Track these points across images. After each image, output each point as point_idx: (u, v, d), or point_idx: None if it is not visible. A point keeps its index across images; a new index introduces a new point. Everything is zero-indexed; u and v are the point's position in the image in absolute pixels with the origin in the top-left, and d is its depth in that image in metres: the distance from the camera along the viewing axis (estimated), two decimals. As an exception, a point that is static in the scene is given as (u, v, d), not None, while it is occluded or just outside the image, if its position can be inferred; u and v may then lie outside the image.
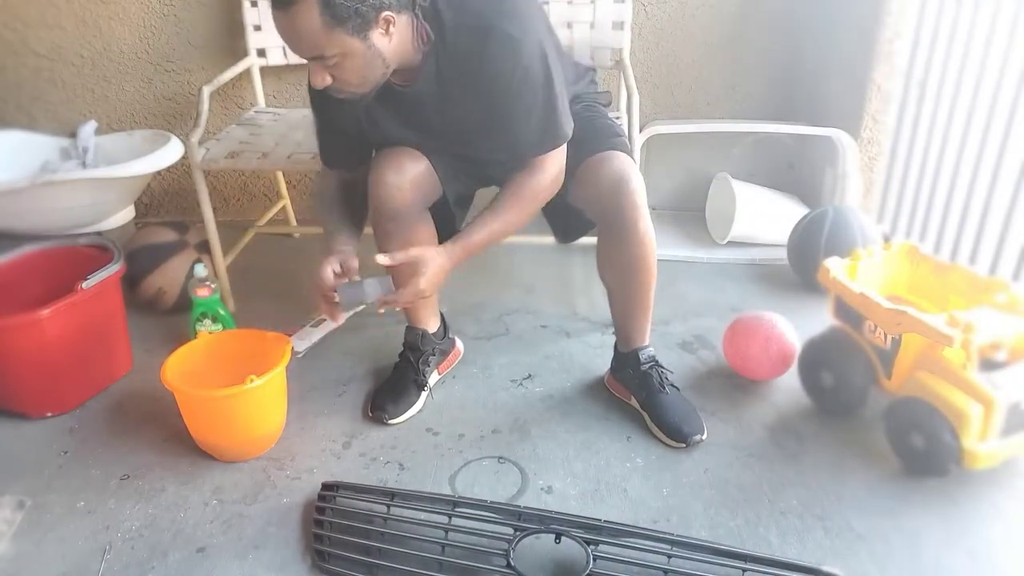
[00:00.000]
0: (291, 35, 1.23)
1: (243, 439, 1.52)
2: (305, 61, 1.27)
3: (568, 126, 1.41)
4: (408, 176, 1.49)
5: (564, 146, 1.43)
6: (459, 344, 1.84)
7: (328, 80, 1.28)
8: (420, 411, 1.67)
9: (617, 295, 1.62)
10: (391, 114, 1.46)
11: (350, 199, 1.55)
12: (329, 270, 1.41)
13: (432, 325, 1.73)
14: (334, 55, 1.24)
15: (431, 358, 1.71)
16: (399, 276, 1.40)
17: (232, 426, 1.50)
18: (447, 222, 1.64)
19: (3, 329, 1.55)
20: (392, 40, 1.28)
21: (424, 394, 1.69)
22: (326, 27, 1.20)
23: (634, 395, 1.64)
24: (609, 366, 1.73)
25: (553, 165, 1.43)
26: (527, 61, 1.31)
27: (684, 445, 1.53)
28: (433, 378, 1.73)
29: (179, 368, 1.51)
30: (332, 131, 1.53)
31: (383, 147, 1.53)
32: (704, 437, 1.55)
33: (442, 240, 1.68)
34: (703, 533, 1.34)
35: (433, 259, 1.38)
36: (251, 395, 1.46)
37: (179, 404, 1.50)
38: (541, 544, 1.29)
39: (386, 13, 1.24)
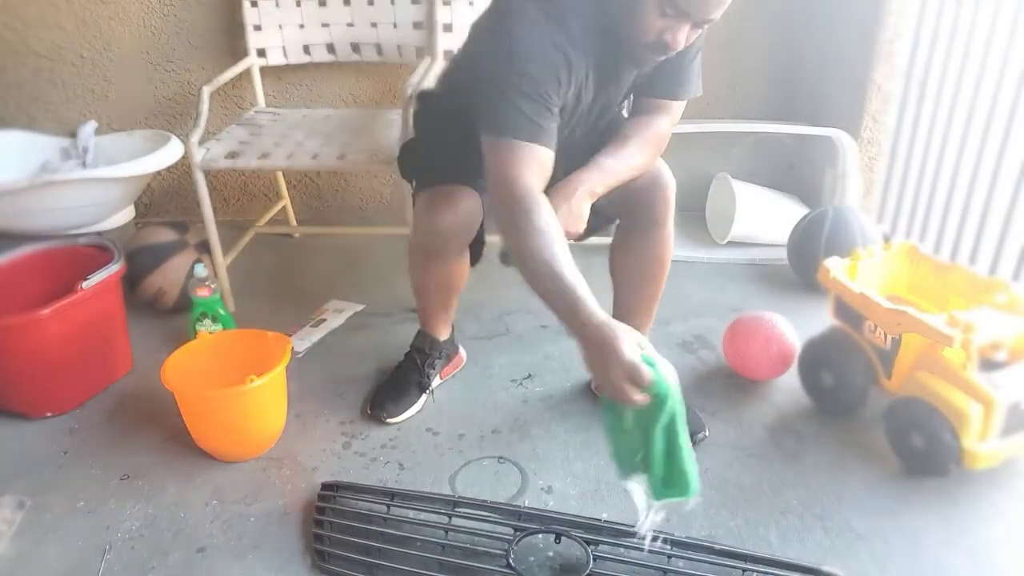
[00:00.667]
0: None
1: (243, 439, 1.52)
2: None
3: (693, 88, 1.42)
4: (460, 212, 1.42)
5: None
6: (462, 351, 1.83)
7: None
8: (419, 412, 1.67)
9: (626, 293, 1.61)
10: (592, 88, 1.32)
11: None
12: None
13: (444, 333, 1.72)
14: None
15: (437, 362, 1.71)
16: None
17: (232, 426, 1.50)
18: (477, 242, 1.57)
19: (3, 329, 1.55)
20: None
21: (425, 396, 1.69)
22: None
23: None
24: None
25: (678, 114, 1.43)
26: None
27: None
28: (435, 382, 1.73)
29: (179, 368, 1.51)
30: (550, 91, 1.20)
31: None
32: (707, 435, 1.55)
33: (472, 263, 1.61)
34: (703, 533, 1.34)
35: (553, 193, 1.27)
36: (251, 395, 1.46)
37: (179, 404, 1.50)
38: (541, 544, 1.29)
39: None
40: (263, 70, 2.34)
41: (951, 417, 1.38)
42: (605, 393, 1.07)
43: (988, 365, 1.43)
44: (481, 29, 1.31)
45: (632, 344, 1.03)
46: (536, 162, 1.18)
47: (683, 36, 1.19)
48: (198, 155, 1.88)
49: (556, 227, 1.15)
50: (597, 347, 1.04)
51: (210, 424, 1.50)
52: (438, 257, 1.53)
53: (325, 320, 2.01)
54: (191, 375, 1.51)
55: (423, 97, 1.59)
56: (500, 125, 1.18)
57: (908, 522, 1.36)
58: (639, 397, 1.02)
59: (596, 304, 1.08)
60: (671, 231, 1.52)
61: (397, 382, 1.69)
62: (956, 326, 1.38)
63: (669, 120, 1.43)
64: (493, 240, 1.43)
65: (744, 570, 1.21)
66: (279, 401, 1.56)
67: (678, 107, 1.44)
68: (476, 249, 1.60)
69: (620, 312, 1.64)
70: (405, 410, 1.64)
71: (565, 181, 1.32)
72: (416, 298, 1.67)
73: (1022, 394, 1.38)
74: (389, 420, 1.62)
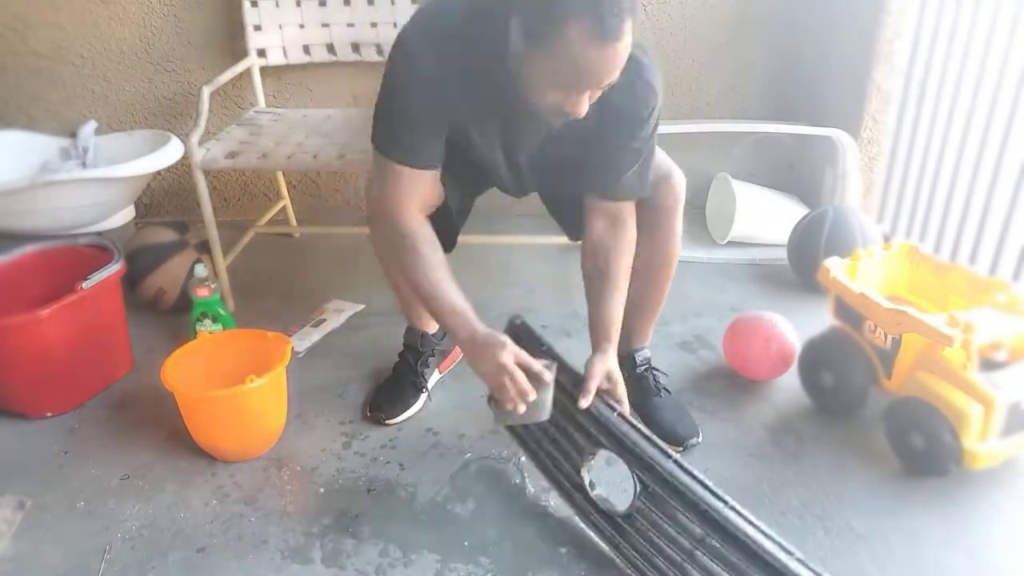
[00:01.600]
0: (610, 67, 1.08)
1: (244, 439, 1.52)
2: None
3: (651, 185, 1.41)
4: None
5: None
6: None
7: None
8: (419, 412, 1.66)
9: (632, 290, 1.55)
10: (496, 135, 1.34)
11: (438, 237, 1.36)
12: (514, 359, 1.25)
13: (432, 326, 1.72)
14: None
15: (430, 359, 1.71)
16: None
17: (232, 426, 1.50)
18: (447, 226, 1.58)
19: (3, 329, 1.55)
20: None
21: (423, 396, 1.69)
22: (628, 45, 1.09)
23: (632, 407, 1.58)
24: None
25: (632, 217, 1.41)
26: (655, 112, 1.29)
27: (681, 449, 1.51)
28: (434, 377, 1.73)
29: (179, 368, 1.51)
30: (430, 127, 1.29)
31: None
32: (700, 440, 1.55)
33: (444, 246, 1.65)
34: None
35: (612, 370, 1.34)
36: (251, 395, 1.46)
37: (179, 405, 1.50)
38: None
39: None
40: (263, 70, 2.34)
41: (951, 417, 1.38)
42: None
43: (988, 365, 1.43)
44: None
45: (511, 354, 1.23)
46: (417, 189, 1.31)
47: (584, 102, 1.14)
48: (198, 155, 1.88)
49: (432, 248, 1.32)
50: (483, 354, 1.26)
51: (211, 424, 1.50)
52: (383, 235, 1.48)
53: (325, 320, 2.01)
54: (191, 375, 1.51)
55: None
56: (385, 145, 1.29)
57: (908, 522, 1.36)
58: (518, 402, 1.24)
59: (478, 319, 1.30)
60: (680, 225, 1.51)
61: (394, 384, 1.69)
62: (956, 326, 1.38)
63: (630, 230, 1.41)
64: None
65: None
66: (280, 401, 1.56)
67: (628, 210, 1.40)
68: (448, 234, 1.58)
69: (628, 308, 1.57)
70: (404, 411, 1.64)
71: (614, 361, 1.35)
72: (392, 288, 1.64)
73: (1022, 394, 1.38)
74: (388, 422, 1.62)
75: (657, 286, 1.57)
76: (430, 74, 1.21)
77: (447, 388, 1.75)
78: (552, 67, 1.08)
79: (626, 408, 1.31)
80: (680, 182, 1.48)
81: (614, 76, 1.11)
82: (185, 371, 1.51)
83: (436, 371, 1.74)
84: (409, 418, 1.64)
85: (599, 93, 1.16)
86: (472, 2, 1.19)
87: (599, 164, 1.34)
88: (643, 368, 1.61)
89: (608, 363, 1.33)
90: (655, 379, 1.61)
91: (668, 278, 1.57)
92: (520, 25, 1.08)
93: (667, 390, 1.61)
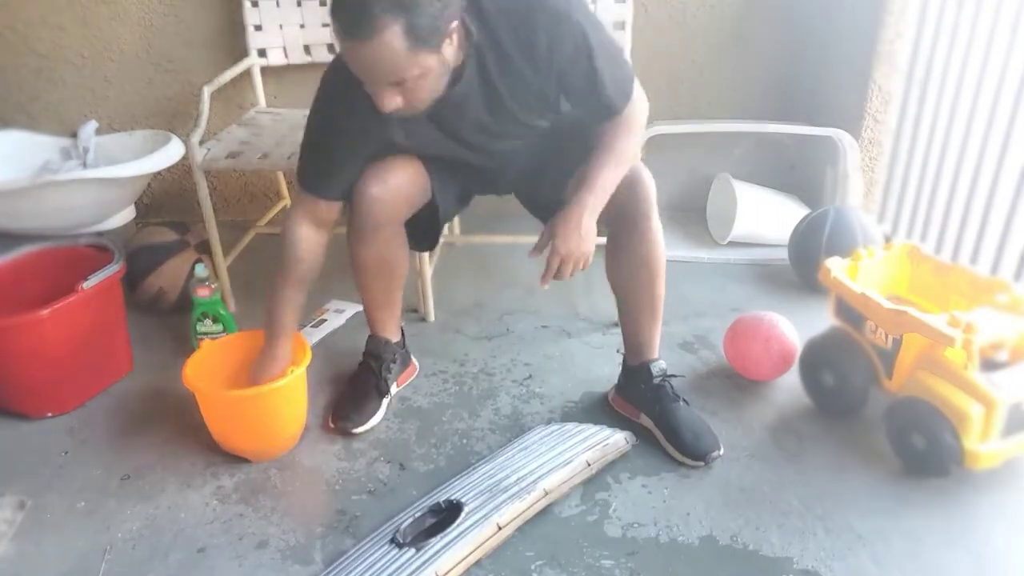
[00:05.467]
0: (370, 64, 1.16)
1: (281, 435, 1.54)
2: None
3: (628, 66, 1.39)
4: (392, 186, 1.46)
5: (639, 92, 1.40)
6: (415, 360, 1.81)
7: (398, 103, 1.22)
8: (383, 419, 1.64)
9: (627, 300, 1.57)
10: (431, 123, 1.39)
11: (315, 262, 1.51)
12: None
13: (395, 335, 1.71)
14: (413, 76, 1.18)
15: (392, 365, 1.69)
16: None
17: (272, 423, 1.51)
18: (431, 228, 1.63)
19: (3, 329, 1.55)
20: (453, 47, 1.23)
21: (386, 401, 1.67)
22: (409, 50, 1.14)
23: (645, 412, 1.57)
24: (616, 383, 1.67)
25: (639, 118, 1.41)
26: (578, 28, 1.27)
27: (702, 463, 1.48)
28: (392, 389, 1.70)
29: (198, 370, 1.50)
30: (340, 150, 1.42)
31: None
32: (721, 453, 1.50)
33: (423, 247, 1.72)
34: (703, 533, 1.34)
35: (562, 223, 1.37)
36: (290, 389, 1.48)
37: (210, 409, 1.50)
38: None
39: (454, 22, 1.19)
40: (264, 70, 2.33)
41: (952, 417, 1.38)
42: None
43: (989, 365, 1.43)
44: None
45: (272, 372, 1.48)
46: (312, 213, 1.47)
47: (382, 98, 1.22)
48: (199, 155, 1.88)
49: (292, 265, 1.48)
50: (264, 361, 1.50)
51: (241, 424, 1.51)
52: (363, 232, 1.52)
53: (325, 320, 2.01)
54: (210, 377, 1.52)
55: None
56: (297, 173, 1.47)
57: (909, 522, 1.36)
58: None
59: (290, 338, 1.52)
60: (658, 227, 1.48)
61: (356, 391, 1.66)
62: (957, 326, 1.38)
63: (633, 136, 1.40)
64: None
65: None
66: (303, 397, 1.57)
67: (630, 119, 1.40)
68: (431, 233, 1.63)
69: (627, 323, 1.59)
70: (369, 417, 1.62)
71: (567, 209, 1.37)
72: (358, 290, 1.66)
73: (1023, 394, 1.38)
74: (355, 430, 1.59)
75: (651, 290, 1.54)
76: (331, 107, 1.36)
77: (448, 388, 1.75)
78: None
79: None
80: (649, 182, 1.46)
81: (380, 75, 1.18)
82: (203, 373, 1.51)
83: (395, 383, 1.72)
84: (373, 427, 1.62)
85: (399, 92, 1.21)
86: None
87: (576, 104, 1.38)
88: (659, 378, 1.57)
89: (566, 214, 1.37)
90: (672, 388, 1.57)
91: (660, 279, 1.53)
92: None
93: (685, 401, 1.57)
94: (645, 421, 1.58)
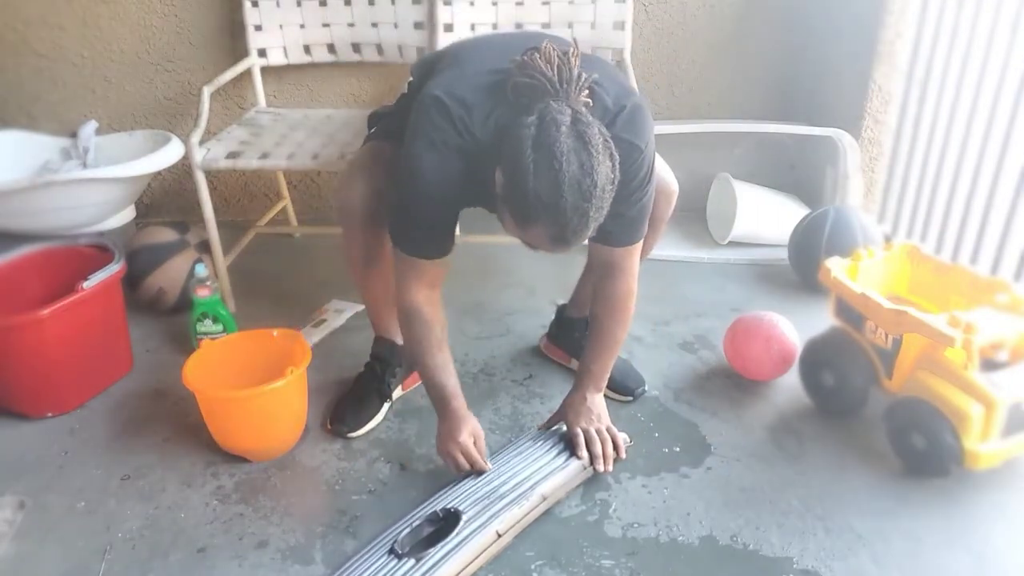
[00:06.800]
0: (565, 252, 1.22)
1: (281, 435, 1.54)
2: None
3: (644, 230, 1.42)
4: (377, 177, 1.46)
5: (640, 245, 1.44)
6: None
7: None
8: (382, 422, 1.63)
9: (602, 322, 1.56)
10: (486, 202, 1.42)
11: (443, 320, 1.46)
12: (472, 444, 1.41)
13: (400, 337, 1.69)
14: None
15: (397, 370, 1.68)
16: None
17: (271, 423, 1.51)
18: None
19: (3, 329, 1.55)
20: None
21: (386, 406, 1.66)
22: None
23: (575, 357, 1.71)
24: (547, 331, 1.84)
25: (635, 264, 1.44)
26: (644, 172, 1.32)
27: (631, 399, 1.67)
28: (396, 392, 1.70)
29: (198, 370, 1.50)
30: (449, 215, 1.40)
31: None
32: (646, 389, 1.69)
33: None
34: (704, 533, 1.34)
35: (571, 412, 1.48)
36: (289, 389, 1.48)
37: (210, 409, 1.50)
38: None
39: None
40: (264, 70, 2.33)
41: (952, 417, 1.38)
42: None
43: (989, 365, 1.43)
44: (411, 111, 1.33)
45: (468, 433, 1.40)
46: (426, 275, 1.40)
47: (542, 248, 1.22)
48: (199, 155, 1.88)
49: (427, 332, 1.41)
50: (448, 427, 1.42)
51: (241, 424, 1.51)
52: (352, 229, 1.51)
53: (326, 320, 2.01)
54: (210, 377, 1.51)
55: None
56: (398, 240, 1.39)
57: (909, 522, 1.36)
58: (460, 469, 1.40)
59: (461, 397, 1.44)
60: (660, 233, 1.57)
61: (358, 393, 1.65)
62: (957, 326, 1.38)
63: (629, 279, 1.44)
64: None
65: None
66: (304, 397, 1.57)
67: (628, 259, 1.43)
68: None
69: (581, 289, 1.68)
70: (367, 422, 1.61)
71: (571, 397, 1.50)
72: (358, 290, 1.65)
73: (1023, 394, 1.38)
74: (351, 435, 1.59)
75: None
76: (433, 186, 1.30)
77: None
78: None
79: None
80: (674, 192, 1.54)
81: (561, 248, 1.20)
82: (203, 373, 1.51)
83: (400, 386, 1.71)
84: (370, 430, 1.61)
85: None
86: (466, 126, 1.26)
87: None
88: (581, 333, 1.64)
89: (571, 401, 1.49)
90: None
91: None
92: (501, 184, 1.18)
93: None
94: (574, 365, 1.70)
